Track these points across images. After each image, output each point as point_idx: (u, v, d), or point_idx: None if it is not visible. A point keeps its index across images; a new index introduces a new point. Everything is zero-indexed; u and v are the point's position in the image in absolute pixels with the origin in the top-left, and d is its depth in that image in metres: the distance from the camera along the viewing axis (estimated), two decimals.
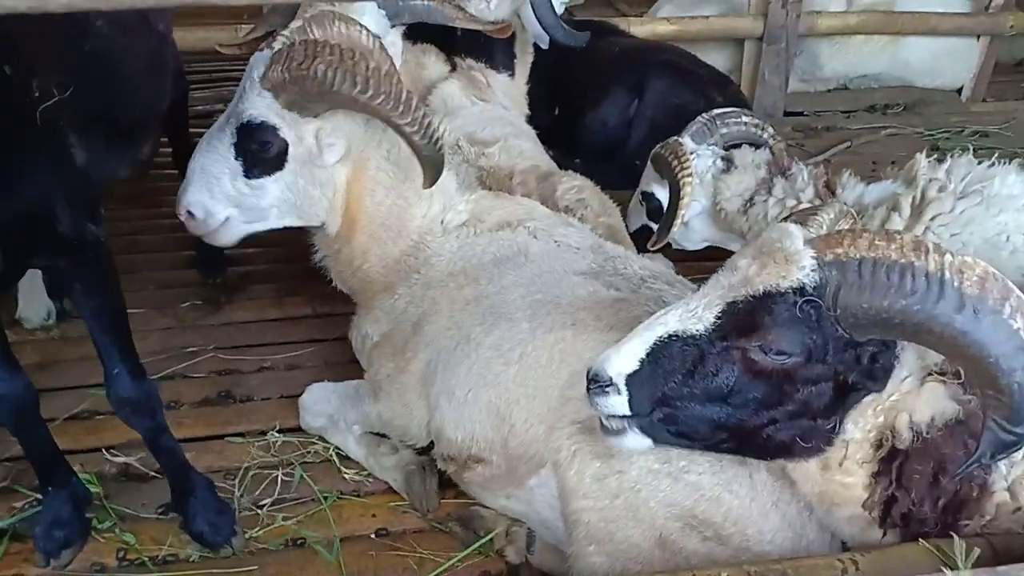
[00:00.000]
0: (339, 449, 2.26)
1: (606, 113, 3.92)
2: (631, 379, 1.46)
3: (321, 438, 2.30)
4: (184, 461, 2.02)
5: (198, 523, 1.97)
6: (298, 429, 2.35)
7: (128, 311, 2.82)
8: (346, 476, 2.18)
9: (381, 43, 2.07)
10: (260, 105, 1.95)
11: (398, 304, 2.22)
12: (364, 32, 2.02)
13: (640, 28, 4.54)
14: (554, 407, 1.80)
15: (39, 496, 2.05)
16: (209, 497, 2.01)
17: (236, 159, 2.03)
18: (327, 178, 2.10)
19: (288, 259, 3.26)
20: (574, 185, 2.76)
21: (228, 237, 2.18)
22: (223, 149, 2.02)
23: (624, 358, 1.47)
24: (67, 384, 2.50)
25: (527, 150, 2.99)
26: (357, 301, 2.41)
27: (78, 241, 1.71)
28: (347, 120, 2.05)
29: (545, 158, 3.05)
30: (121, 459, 2.22)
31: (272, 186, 2.07)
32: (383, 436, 2.24)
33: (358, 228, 2.21)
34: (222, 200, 2.08)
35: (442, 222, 2.24)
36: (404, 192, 2.17)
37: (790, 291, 1.38)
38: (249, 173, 2.04)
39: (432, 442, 2.11)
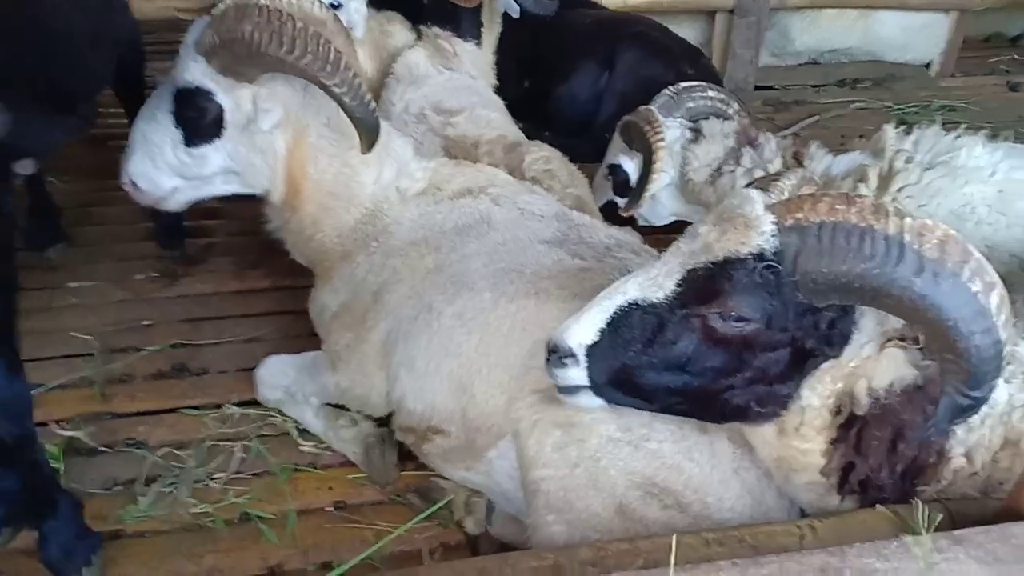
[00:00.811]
0: (297, 422, 2.21)
1: (576, 86, 3.87)
2: (590, 349, 1.44)
3: (279, 411, 2.25)
4: (50, 476, 1.83)
5: (51, 549, 1.77)
6: (255, 402, 2.29)
7: (83, 284, 2.77)
8: (303, 449, 2.14)
9: (331, 11, 2.01)
10: (195, 70, 1.91)
11: (357, 273, 2.16)
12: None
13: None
14: (515, 377, 1.76)
15: None
16: (69, 519, 1.79)
17: (176, 127, 1.98)
18: (266, 145, 2.04)
19: (249, 232, 3.17)
20: (541, 155, 2.71)
21: (176, 204, 2.14)
22: (162, 117, 1.97)
23: (583, 328, 1.45)
24: None
25: (494, 120, 2.93)
26: (315, 272, 2.35)
27: None
28: (284, 86, 1.98)
29: (513, 128, 2.99)
30: (68, 433, 2.15)
31: (213, 154, 2.03)
32: (342, 408, 2.19)
33: (304, 197, 2.14)
34: (165, 170, 2.05)
35: (398, 189, 2.18)
36: (349, 160, 2.09)
37: (749, 257, 1.35)
38: (189, 141, 2.00)
39: (391, 413, 2.07)
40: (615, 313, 1.44)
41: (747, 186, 1.66)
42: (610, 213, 2.93)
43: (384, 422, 2.12)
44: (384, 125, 2.21)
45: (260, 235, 3.13)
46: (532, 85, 3.89)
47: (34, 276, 2.75)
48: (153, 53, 3.47)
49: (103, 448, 2.11)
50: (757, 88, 4.69)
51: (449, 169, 2.25)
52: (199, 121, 1.96)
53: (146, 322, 2.63)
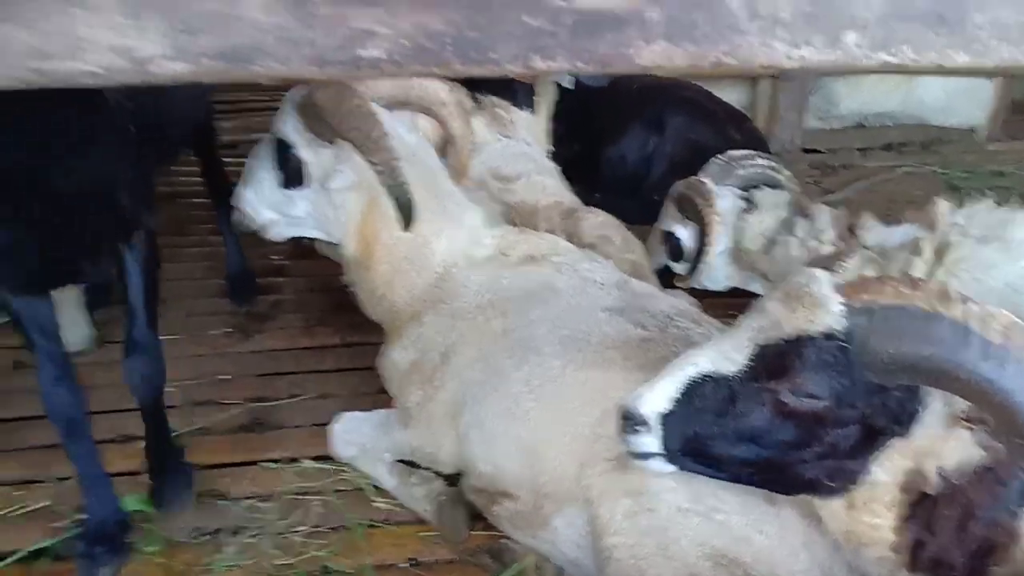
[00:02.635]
0: (370, 478, 2.31)
1: (626, 149, 4.01)
2: (663, 417, 1.52)
3: (352, 467, 2.35)
4: (166, 430, 2.23)
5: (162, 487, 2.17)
6: (329, 457, 2.40)
7: (162, 338, 2.92)
8: (377, 505, 2.23)
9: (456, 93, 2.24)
10: (288, 124, 2.17)
11: (426, 333, 2.28)
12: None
13: None
14: (585, 444, 1.84)
15: (80, 518, 2.12)
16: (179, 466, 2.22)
17: (277, 169, 2.25)
18: (341, 203, 2.25)
19: (317, 289, 3.35)
20: (597, 221, 2.83)
21: (273, 235, 2.41)
22: (266, 157, 2.21)
23: (656, 397, 1.53)
24: (102, 408, 2.57)
25: (550, 186, 3.06)
26: (386, 329, 2.48)
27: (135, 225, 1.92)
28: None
29: (568, 194, 3.12)
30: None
31: (300, 200, 2.29)
32: (414, 466, 2.29)
33: (377, 258, 2.30)
34: (264, 203, 2.32)
35: (467, 255, 2.31)
36: (421, 228, 2.23)
37: (819, 336, 1.43)
38: (284, 184, 2.26)
39: (462, 472, 2.16)
40: (687, 384, 1.52)
41: (811, 264, 1.74)
42: (665, 277, 3.03)
43: (455, 481, 2.21)
44: (457, 193, 2.36)
45: (327, 293, 3.32)
46: (582, 148, 4.03)
47: (116, 328, 2.90)
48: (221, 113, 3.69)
49: None
50: (803, 151, 4.78)
51: (514, 236, 2.37)
52: (289, 169, 2.21)
53: (223, 376, 2.76)
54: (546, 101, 3.68)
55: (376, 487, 2.29)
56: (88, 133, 1.69)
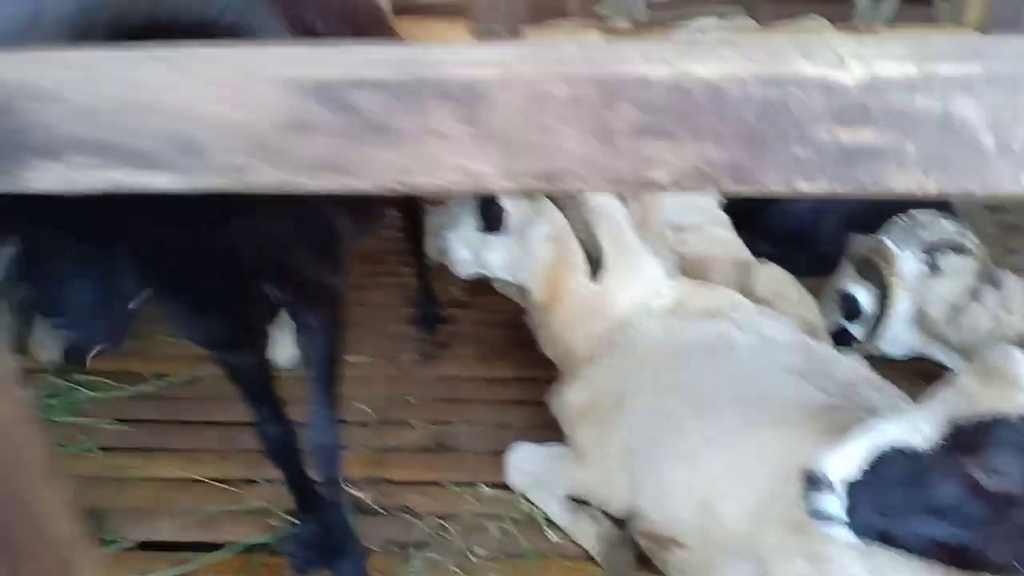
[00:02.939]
0: (543, 510, 2.45)
1: (796, 200, 3.98)
2: (848, 484, 1.56)
3: (525, 497, 2.50)
4: (346, 521, 2.18)
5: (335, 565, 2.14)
6: (504, 485, 2.56)
7: (360, 359, 3.21)
8: (550, 536, 2.36)
9: None
10: None
11: (601, 376, 2.41)
12: None
13: None
14: (762, 502, 1.89)
15: (291, 519, 2.40)
16: (359, 565, 2.15)
17: (479, 214, 2.53)
18: (534, 250, 2.43)
19: (493, 323, 3.57)
20: (772, 276, 2.86)
21: (465, 272, 2.70)
22: (470, 203, 2.42)
23: (843, 462, 1.57)
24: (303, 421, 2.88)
25: (723, 237, 3.12)
26: (561, 368, 2.63)
27: (324, 289, 1.94)
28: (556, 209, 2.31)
29: (741, 246, 3.16)
30: (354, 492, 2.52)
31: (497, 244, 2.54)
32: (585, 503, 2.40)
33: (561, 305, 2.47)
34: (462, 241, 2.58)
35: (647, 306, 2.43)
36: (606, 279, 2.36)
37: (1016, 418, 1.43)
38: (484, 228, 2.52)
39: (631, 515, 2.25)
40: (875, 452, 1.55)
41: (1006, 342, 1.72)
42: (839, 337, 2.99)
43: (625, 524, 2.30)
44: (640, 248, 2.48)
45: (502, 328, 3.53)
46: (750, 199, 4.03)
47: None
48: None
49: (380, 510, 2.46)
50: (988, 209, 4.52)
51: (694, 289, 2.46)
52: (490, 215, 2.41)
53: (410, 398, 3.01)
54: None
55: (549, 519, 2.41)
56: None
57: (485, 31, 3.91)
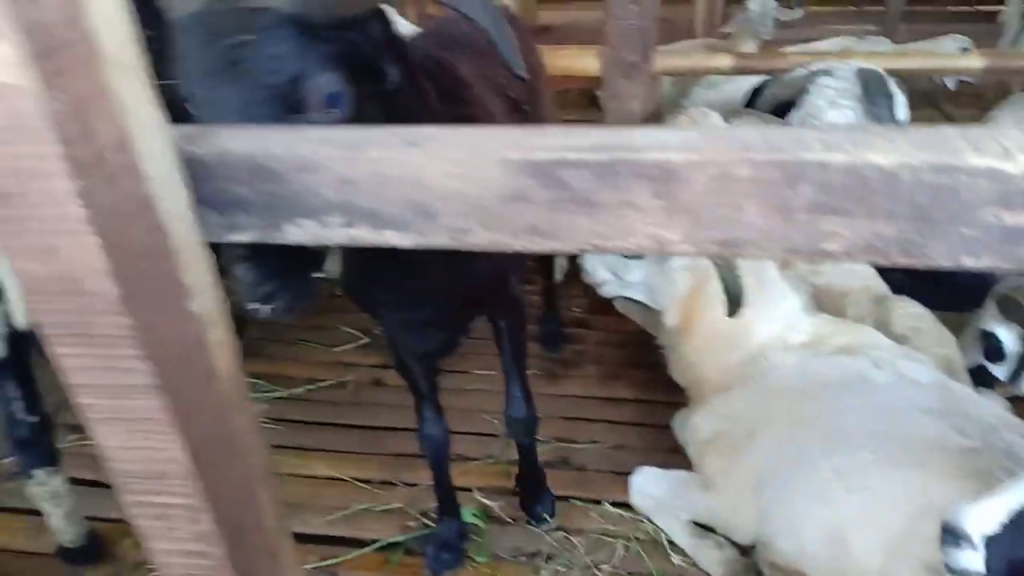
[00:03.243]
0: (666, 532, 2.52)
1: None
2: (989, 540, 1.55)
3: (649, 518, 2.58)
4: (536, 461, 2.60)
5: (532, 503, 2.58)
6: (627, 505, 2.65)
7: (488, 372, 3.37)
8: (673, 559, 2.43)
9: None
10: None
11: (733, 405, 2.46)
12: None
13: None
14: (895, 540, 1.90)
15: (425, 521, 2.58)
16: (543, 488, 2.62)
17: None
18: (674, 278, 2.50)
19: (614, 344, 3.66)
20: (911, 312, 2.81)
21: (606, 292, 2.80)
22: None
23: (985, 517, 1.57)
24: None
25: (860, 270, 3.09)
26: (690, 395, 2.69)
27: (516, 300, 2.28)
28: None
29: (878, 279, 3.11)
30: (486, 501, 2.68)
31: (637, 269, 2.65)
32: (708, 529, 2.46)
33: (695, 332, 2.53)
34: (605, 264, 2.72)
35: (783, 339, 2.46)
36: (743, 312, 2.41)
37: None
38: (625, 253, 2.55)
39: (757, 544, 2.29)
40: (1019, 509, 1.55)
41: None
42: (979, 377, 2.90)
43: (747, 551, 2.35)
44: (780, 282, 2.51)
45: (622, 348, 3.61)
46: None
47: (451, 360, 3.42)
48: None
49: (508, 519, 2.59)
50: None
51: (832, 326, 2.47)
52: None
53: (536, 414, 3.13)
54: None
55: (672, 542, 2.48)
56: None
57: (617, 59, 4.02)
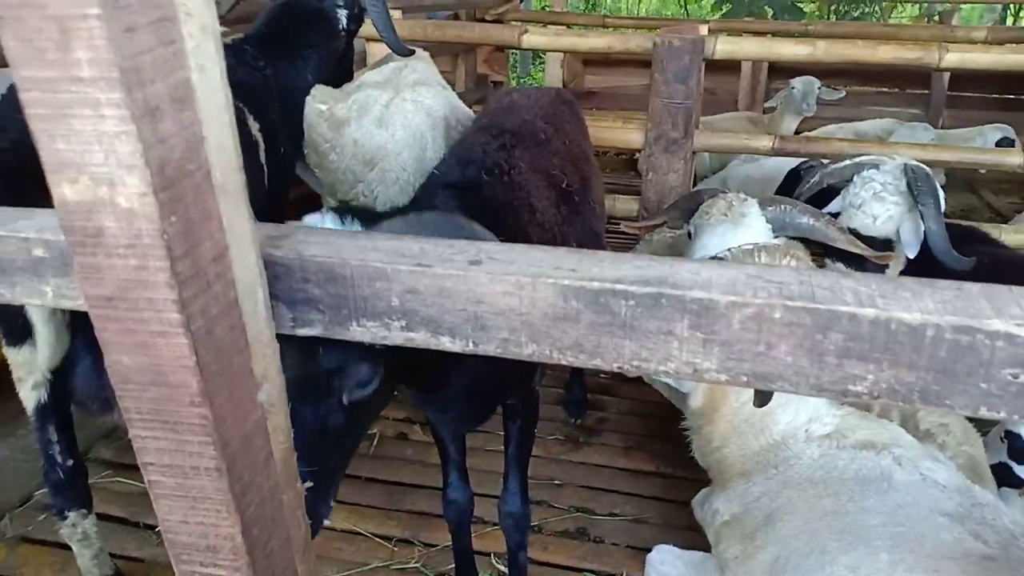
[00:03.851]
0: None
1: None
2: None
3: None
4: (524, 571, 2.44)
5: None
6: None
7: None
8: None
9: None
10: None
11: (752, 491, 2.48)
12: None
13: (1013, 236, 4.41)
14: None
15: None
16: None
17: None
18: None
19: (637, 413, 3.70)
20: (935, 410, 2.83)
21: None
22: None
23: None
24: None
25: None
26: (712, 477, 2.72)
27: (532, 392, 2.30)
28: None
29: None
30: (500, 567, 2.71)
31: None
32: None
33: (720, 416, 2.56)
34: None
35: (806, 431, 2.48)
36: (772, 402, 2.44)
37: None
38: None
39: None
40: None
41: None
42: (1002, 475, 2.90)
43: None
44: None
45: (644, 419, 3.65)
46: None
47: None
48: None
49: None
50: None
51: (856, 420, 2.49)
52: None
53: (556, 482, 3.17)
54: (895, 271, 3.74)
55: None
56: None
57: (659, 134, 4.14)
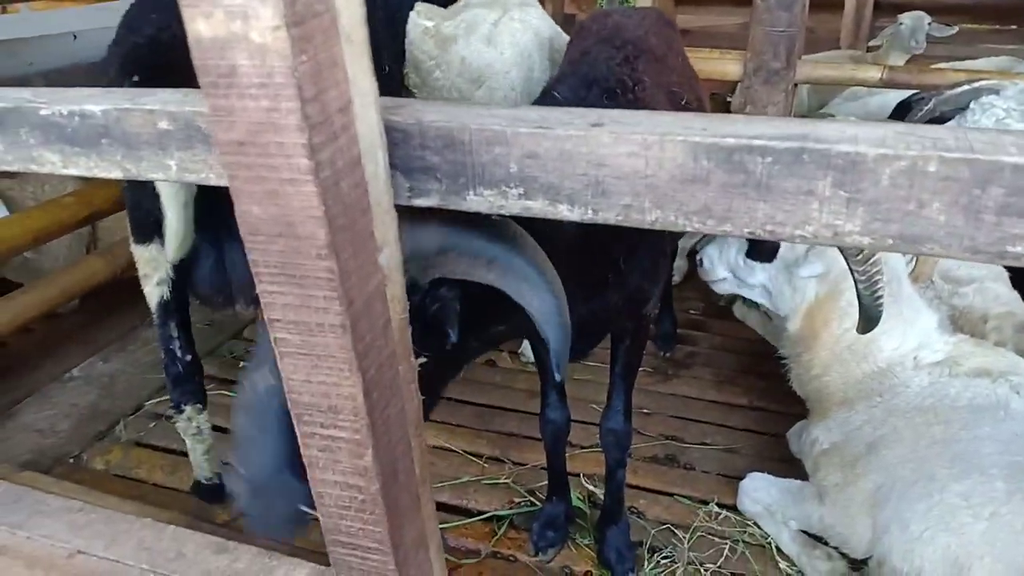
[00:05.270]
0: (772, 538, 2.49)
1: None
2: None
3: (755, 523, 2.55)
4: (621, 497, 2.43)
5: (609, 550, 2.40)
6: (733, 508, 2.63)
7: (593, 364, 3.40)
8: (780, 566, 2.40)
9: None
10: None
11: (853, 420, 2.40)
12: None
13: None
14: (1022, 572, 1.82)
15: (531, 499, 2.65)
16: (624, 533, 2.42)
17: (748, 240, 2.49)
18: (801, 286, 2.46)
19: (729, 348, 3.62)
20: None
21: (721, 289, 2.77)
22: None
23: None
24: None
25: (1003, 295, 2.94)
26: (810, 407, 2.64)
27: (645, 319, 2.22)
28: (836, 250, 2.31)
29: (1021, 306, 2.95)
30: (591, 487, 2.72)
31: (760, 271, 2.58)
32: (817, 539, 2.41)
33: (820, 343, 2.47)
34: (724, 263, 2.68)
35: (915, 358, 2.37)
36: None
37: None
38: (749, 254, 2.56)
39: (867, 558, 2.24)
40: None
41: None
42: None
43: (858, 565, 2.29)
44: (916, 299, 2.43)
45: (737, 354, 3.57)
46: None
47: None
48: None
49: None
50: None
51: (970, 347, 2.36)
52: (762, 245, 2.45)
53: (645, 411, 3.15)
54: None
55: (779, 549, 2.45)
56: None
57: (760, 64, 3.95)
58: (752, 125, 0.90)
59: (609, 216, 0.98)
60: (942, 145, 0.83)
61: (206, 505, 2.65)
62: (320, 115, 0.83)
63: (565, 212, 0.99)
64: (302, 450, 1.09)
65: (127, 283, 3.45)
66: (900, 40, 5.73)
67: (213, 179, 1.11)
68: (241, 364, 3.50)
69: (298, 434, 1.07)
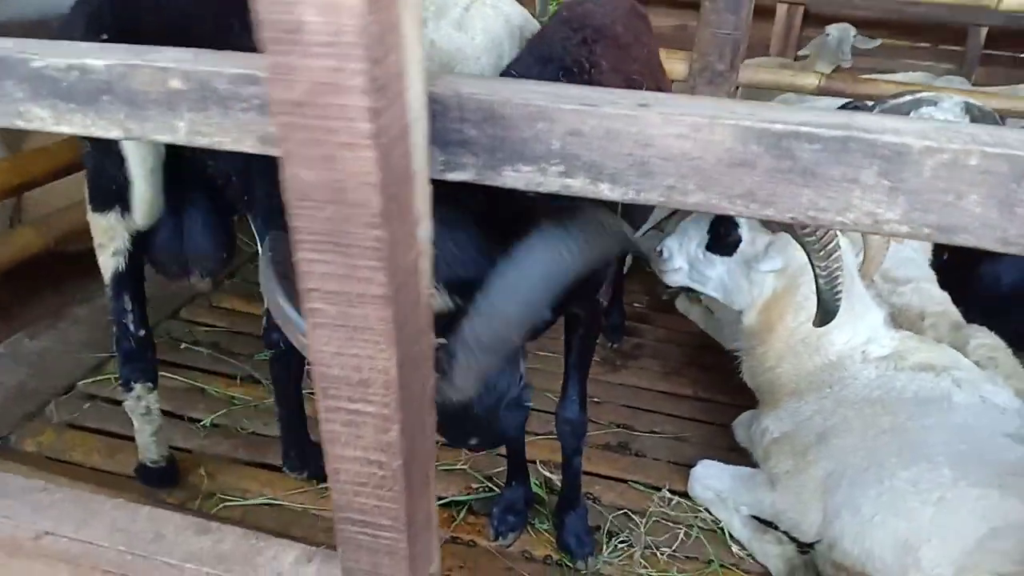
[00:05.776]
0: (723, 524, 2.57)
1: (1002, 268, 3.84)
2: None
3: (707, 509, 2.63)
4: (579, 483, 2.46)
5: (568, 535, 2.44)
6: (685, 494, 2.70)
7: (545, 354, 3.43)
8: (733, 549, 2.48)
9: None
10: None
11: (804, 410, 2.50)
12: None
13: None
14: (968, 553, 1.94)
15: (489, 484, 2.65)
16: (583, 519, 2.46)
17: (707, 232, 2.57)
18: (759, 280, 2.52)
19: (674, 341, 3.71)
20: (986, 342, 2.83)
21: (673, 281, 2.75)
22: (704, 221, 2.52)
23: None
24: None
25: (937, 296, 3.11)
26: (760, 398, 2.73)
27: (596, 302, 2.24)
28: (796, 247, 2.40)
29: (953, 308, 3.13)
30: (547, 474, 2.74)
31: (718, 264, 2.59)
32: (767, 524, 2.50)
33: (775, 336, 2.56)
34: (682, 254, 2.65)
35: (863, 352, 2.49)
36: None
37: None
38: (708, 247, 2.57)
39: (815, 543, 2.34)
40: None
41: None
42: None
43: (805, 548, 2.39)
44: (865, 296, 2.54)
45: (680, 347, 3.66)
46: (951, 258, 3.94)
47: None
48: None
49: None
50: None
51: (915, 343, 2.49)
52: (722, 239, 2.51)
53: (596, 399, 3.19)
54: None
55: (731, 533, 2.53)
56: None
57: (706, 66, 4.04)
58: (795, 113, 0.92)
59: (651, 196, 0.98)
60: (981, 140, 0.87)
61: (152, 490, 2.54)
62: (384, 78, 0.81)
63: (606, 191, 0.99)
64: (322, 425, 1.06)
65: (57, 257, 3.28)
66: (827, 50, 5.98)
67: (228, 143, 1.06)
68: (182, 345, 3.37)
69: (320, 408, 1.04)
